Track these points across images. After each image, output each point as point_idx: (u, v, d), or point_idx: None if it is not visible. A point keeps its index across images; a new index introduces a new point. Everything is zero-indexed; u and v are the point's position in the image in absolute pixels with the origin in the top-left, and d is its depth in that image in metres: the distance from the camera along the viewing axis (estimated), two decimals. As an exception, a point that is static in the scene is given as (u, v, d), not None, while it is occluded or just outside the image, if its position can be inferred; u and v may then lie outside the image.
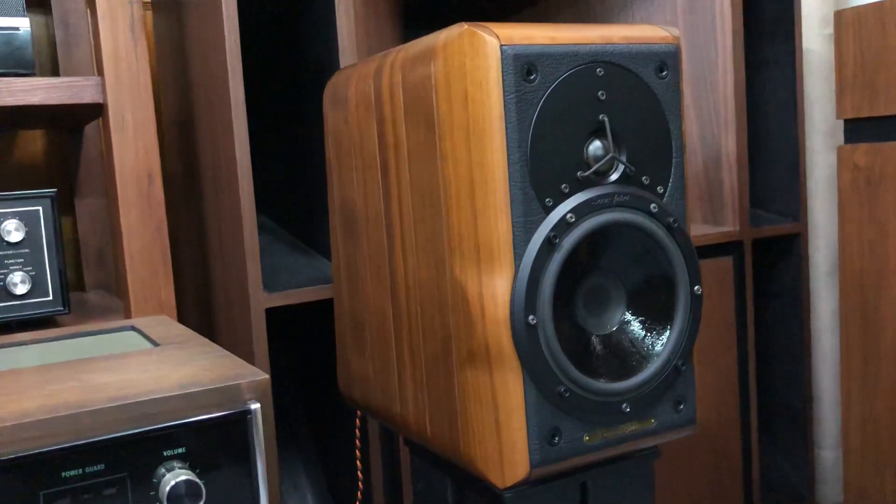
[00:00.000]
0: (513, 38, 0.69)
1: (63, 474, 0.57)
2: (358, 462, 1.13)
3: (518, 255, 0.70)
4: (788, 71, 1.67)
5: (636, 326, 0.77)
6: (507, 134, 0.69)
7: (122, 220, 1.18)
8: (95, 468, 0.58)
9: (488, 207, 0.70)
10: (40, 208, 1.16)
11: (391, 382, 0.87)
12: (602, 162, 0.72)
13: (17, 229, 1.12)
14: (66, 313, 1.16)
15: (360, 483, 1.14)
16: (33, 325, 1.11)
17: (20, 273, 1.12)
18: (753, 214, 1.63)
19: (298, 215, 1.42)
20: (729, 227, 1.55)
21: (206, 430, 0.61)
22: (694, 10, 1.57)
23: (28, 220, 1.15)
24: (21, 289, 1.12)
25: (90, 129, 1.60)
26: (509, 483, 0.72)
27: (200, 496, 0.59)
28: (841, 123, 1.67)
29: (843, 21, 1.33)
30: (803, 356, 1.71)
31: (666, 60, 0.75)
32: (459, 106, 0.71)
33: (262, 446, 0.63)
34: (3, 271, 1.12)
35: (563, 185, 0.71)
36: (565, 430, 0.72)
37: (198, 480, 0.59)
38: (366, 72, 0.86)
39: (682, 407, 0.78)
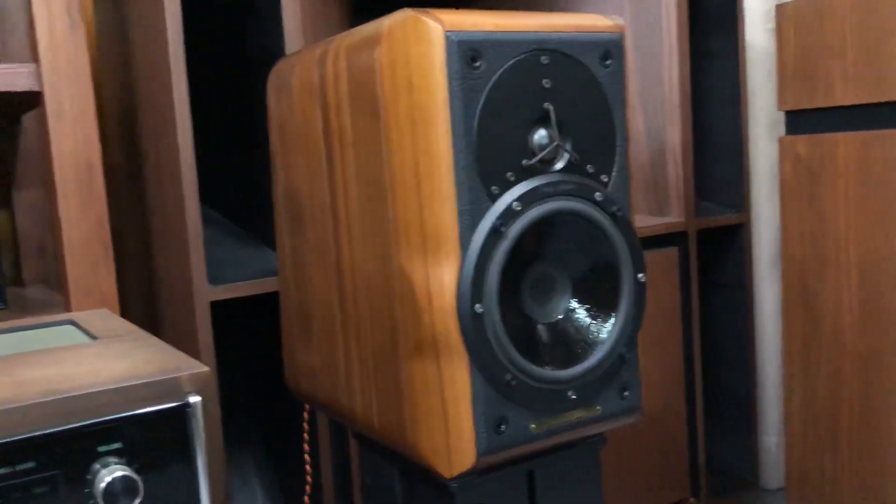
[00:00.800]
0: (458, 25, 0.69)
1: (-7, 472, 0.55)
2: (306, 456, 1.12)
3: (464, 243, 0.70)
4: (732, 64, 1.69)
5: (581, 314, 0.77)
6: (452, 121, 0.69)
7: (61, 212, 1.15)
8: (25, 466, 0.56)
9: (434, 196, 0.70)
10: (-27, 201, 1.12)
11: (338, 374, 0.86)
12: (547, 150, 0.72)
13: (-52, 222, 1.08)
14: (2, 308, 1.12)
15: (308, 477, 1.13)
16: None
17: (-48, 267, 1.08)
18: (698, 205, 1.65)
19: (244, 206, 1.39)
20: (674, 217, 1.57)
21: (144, 424, 0.60)
22: (640, 3, 1.59)
23: (-40, 213, 1.11)
24: (-46, 284, 1.08)
25: (28, 120, 1.55)
26: (456, 472, 0.72)
27: (137, 493, 0.58)
28: (782, 115, 1.70)
29: (783, 15, 1.35)
30: (747, 344, 1.74)
31: (610, 49, 0.76)
32: (404, 93, 0.70)
33: (204, 440, 0.62)
34: (-67, 266, 1.08)
35: (508, 174, 0.71)
36: (512, 418, 0.72)
37: (135, 476, 0.58)
38: (310, 58, 0.84)
39: (626, 394, 0.79)
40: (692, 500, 1.66)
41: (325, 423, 1.25)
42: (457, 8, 0.71)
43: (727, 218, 1.67)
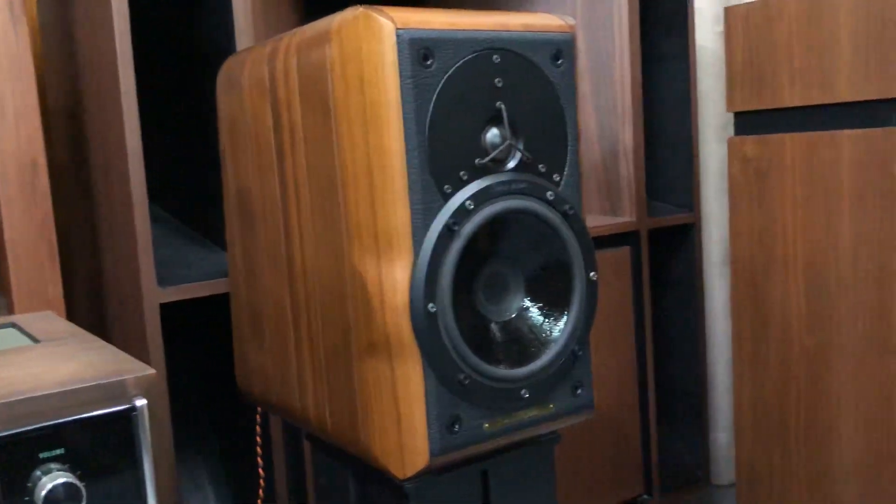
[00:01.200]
0: (409, 23, 0.68)
1: (-73, 481, 0.53)
2: (259, 459, 1.10)
3: (417, 242, 0.69)
4: (682, 66, 1.72)
5: (534, 313, 0.77)
6: (404, 120, 0.68)
7: (4, 212, 1.12)
8: (-36, 473, 0.54)
9: (387, 194, 0.69)
10: (-89, 200, 1.09)
11: (290, 376, 0.85)
12: (499, 149, 0.72)
13: None
14: (-60, 312, 1.09)
15: (261, 480, 1.12)
16: None
17: None
18: (650, 205, 1.67)
19: (194, 205, 1.37)
20: (626, 217, 1.59)
21: (88, 429, 0.58)
22: (592, 5, 1.60)
23: None
24: None
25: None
26: (409, 473, 0.71)
27: (80, 500, 0.56)
28: (731, 117, 1.73)
29: (732, 17, 1.37)
30: (698, 343, 1.77)
31: (562, 48, 0.76)
32: (355, 91, 0.69)
33: (150, 445, 0.60)
34: None
35: (461, 173, 0.71)
36: (465, 417, 0.72)
37: (77, 483, 0.56)
38: (260, 55, 0.83)
39: (579, 392, 0.79)
40: (645, 497, 1.68)
41: (279, 425, 1.23)
42: (405, 6, 0.71)
43: (678, 218, 1.69)
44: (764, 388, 1.39)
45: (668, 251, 1.78)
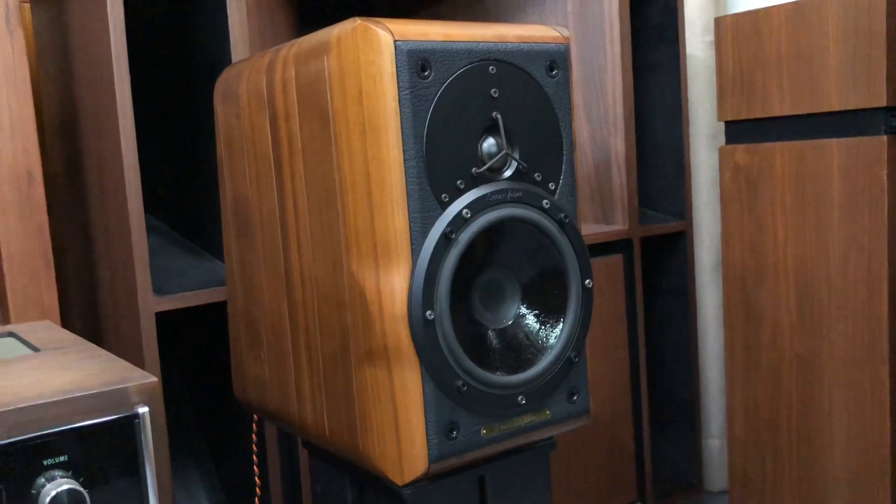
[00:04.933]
0: (406, 34, 0.69)
1: (-68, 488, 0.53)
2: (255, 467, 1.11)
3: (415, 250, 0.70)
4: (673, 76, 1.74)
5: (531, 320, 0.78)
6: (402, 130, 0.69)
7: (0, 223, 1.12)
8: (-32, 480, 0.54)
9: (385, 203, 0.70)
10: None
11: (288, 384, 0.86)
12: (496, 159, 0.73)
13: None
14: (-65, 322, 1.09)
15: (257, 489, 1.12)
16: None
17: None
18: (642, 213, 1.68)
19: (189, 216, 1.38)
20: (619, 225, 1.60)
21: (91, 436, 0.59)
22: (584, 16, 1.62)
23: None
24: None
25: (-38, 127, 1.50)
26: (408, 479, 0.72)
27: (84, 506, 0.57)
28: (722, 126, 1.75)
29: (722, 27, 1.39)
30: (691, 349, 1.78)
31: (556, 59, 0.77)
32: (354, 101, 0.70)
33: (152, 452, 0.61)
34: None
35: (458, 182, 0.72)
36: (463, 424, 0.73)
37: (81, 490, 0.57)
38: (258, 66, 0.84)
39: (575, 398, 0.80)
40: (639, 503, 1.68)
41: (274, 434, 1.24)
42: (401, 18, 0.72)
43: (670, 226, 1.71)
44: (756, 394, 1.40)
45: (660, 258, 1.80)
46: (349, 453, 0.78)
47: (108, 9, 1.11)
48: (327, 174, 0.75)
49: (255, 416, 1.13)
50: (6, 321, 1.13)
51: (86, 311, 1.44)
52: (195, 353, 1.41)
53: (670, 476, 1.82)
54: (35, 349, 0.77)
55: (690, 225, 1.75)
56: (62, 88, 1.40)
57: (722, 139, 1.81)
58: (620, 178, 1.60)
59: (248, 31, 1.23)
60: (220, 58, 1.23)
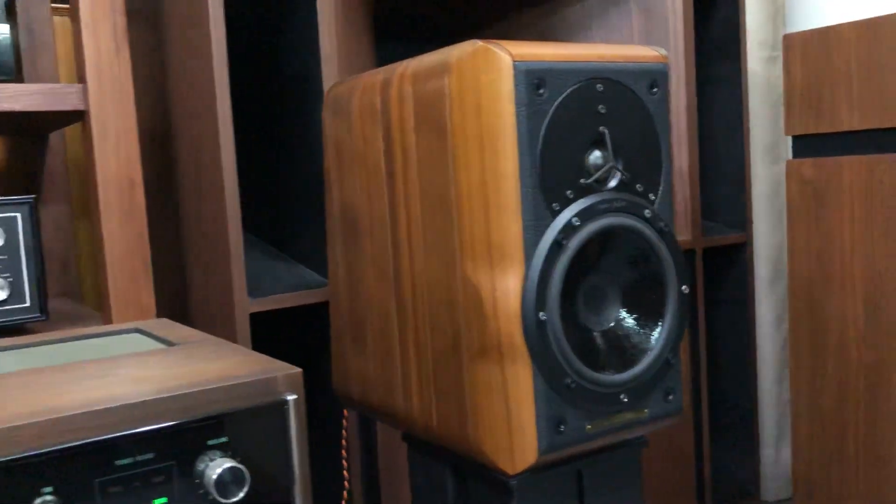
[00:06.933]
0: (524, 55, 0.75)
1: (116, 462, 0.59)
2: (344, 461, 1.16)
3: (528, 255, 0.76)
4: (735, 90, 1.78)
5: (631, 323, 0.83)
6: (518, 144, 0.75)
7: (104, 227, 1.19)
8: (145, 457, 0.60)
9: (501, 211, 0.75)
10: (18, 215, 1.17)
11: (394, 379, 0.92)
12: (602, 170, 0.78)
13: (-5, 235, 1.12)
14: (43, 320, 1.16)
15: (346, 482, 1.17)
16: (9, 333, 1.10)
17: (-2, 279, 1.12)
18: (703, 225, 1.72)
19: (275, 224, 1.44)
20: (682, 236, 1.64)
21: (248, 420, 0.65)
22: (649, 32, 1.66)
23: (6, 227, 1.15)
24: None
25: (54, 137, 1.59)
26: (519, 468, 0.77)
27: (245, 482, 0.63)
28: (779, 140, 1.79)
29: (790, 44, 1.43)
30: (748, 359, 1.81)
31: (657, 78, 0.82)
32: (472, 117, 0.76)
33: (297, 435, 0.66)
34: (-20, 278, 1.11)
35: (568, 191, 0.77)
36: (570, 419, 0.78)
37: (242, 467, 0.63)
38: (371, 83, 0.90)
39: (670, 397, 0.84)
40: (697, 509, 1.71)
41: (354, 429, 1.29)
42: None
43: (731, 237, 1.74)
44: (821, 401, 1.43)
45: (718, 270, 1.83)
46: (457, 444, 0.83)
47: (211, 26, 1.19)
48: (442, 184, 0.80)
49: (344, 411, 1.19)
50: (108, 321, 1.20)
51: (172, 312, 1.51)
52: (278, 354, 1.47)
53: (728, 484, 1.85)
54: (169, 343, 0.83)
55: (751, 237, 1.78)
56: (153, 100, 1.48)
57: (778, 153, 1.84)
58: (684, 191, 1.64)
59: (337, 49, 1.30)
60: (310, 73, 1.30)
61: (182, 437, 0.62)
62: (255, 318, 1.28)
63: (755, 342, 1.83)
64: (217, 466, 0.62)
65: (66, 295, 1.63)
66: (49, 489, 0.57)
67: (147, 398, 0.61)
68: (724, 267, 1.83)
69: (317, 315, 1.31)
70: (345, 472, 1.18)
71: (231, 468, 0.62)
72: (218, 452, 0.63)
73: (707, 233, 1.72)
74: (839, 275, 1.37)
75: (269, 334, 1.46)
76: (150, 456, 0.60)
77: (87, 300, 1.70)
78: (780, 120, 1.86)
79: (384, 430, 1.36)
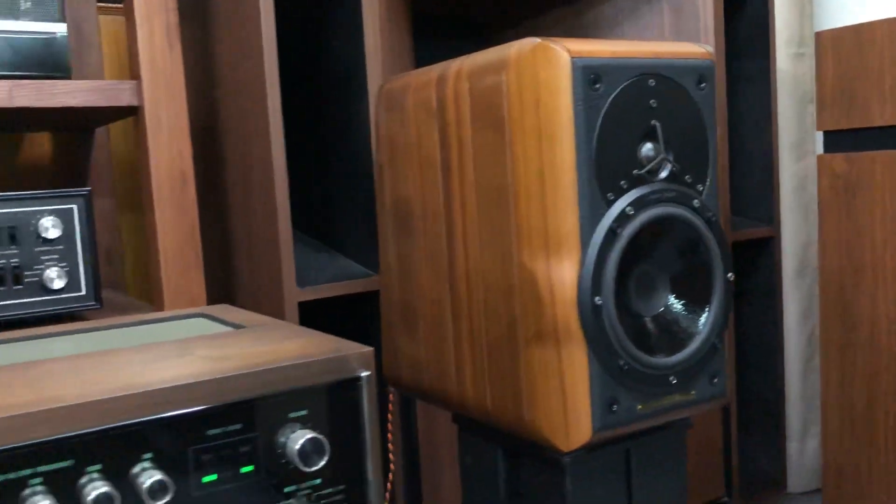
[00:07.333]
0: (581, 52, 0.79)
1: (208, 433, 0.63)
2: (390, 444, 1.21)
3: (584, 243, 0.79)
4: (763, 87, 1.80)
5: (679, 308, 0.87)
6: (575, 136, 0.78)
7: (157, 219, 1.23)
8: (234, 427, 0.65)
9: (558, 202, 0.79)
10: (75, 206, 1.21)
11: (447, 363, 0.95)
12: (654, 162, 0.82)
13: (53, 226, 1.17)
14: (98, 308, 1.20)
15: (391, 465, 1.22)
16: (66, 320, 1.15)
17: (56, 269, 1.16)
18: (731, 220, 1.75)
19: (318, 217, 1.48)
20: (713, 230, 1.67)
21: (325, 394, 0.69)
22: (679, 29, 1.69)
23: (63, 218, 1.19)
24: (57, 284, 1.16)
25: (99, 132, 1.64)
26: (574, 446, 0.81)
27: (325, 453, 0.67)
28: (805, 136, 1.81)
29: (823, 41, 1.46)
30: (775, 351, 1.84)
31: (704, 73, 0.86)
32: (531, 111, 0.80)
33: (369, 408, 0.71)
34: (39, 267, 1.16)
35: (622, 182, 0.81)
36: (622, 399, 0.82)
37: (323, 439, 0.67)
38: (425, 80, 0.94)
39: (716, 381, 0.88)
40: (725, 499, 1.74)
41: (396, 417, 1.33)
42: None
43: (760, 231, 1.77)
44: (851, 391, 1.46)
45: (746, 263, 1.86)
46: (511, 425, 0.87)
47: (262, 24, 1.23)
48: (499, 176, 0.84)
49: (390, 395, 1.23)
50: (160, 309, 1.25)
51: (216, 302, 1.56)
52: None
53: (755, 475, 1.88)
54: (238, 326, 0.87)
55: (779, 231, 1.81)
56: (200, 96, 1.52)
57: (805, 149, 1.87)
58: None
59: (380, 46, 1.34)
60: (355, 69, 1.34)
61: (266, 410, 0.66)
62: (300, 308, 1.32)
63: (783, 336, 1.85)
64: (299, 437, 0.66)
65: (111, 286, 1.68)
66: (149, 455, 0.61)
67: (233, 374, 0.65)
68: (752, 261, 1.86)
69: (363, 304, 1.35)
70: (389, 445, 1.22)
71: (312, 438, 0.66)
72: (298, 424, 0.68)
73: (735, 227, 1.75)
74: (870, 268, 1.40)
75: (309, 324, 1.50)
76: (237, 427, 0.65)
77: (130, 291, 1.74)
78: (806, 116, 1.89)
79: (424, 413, 1.40)
